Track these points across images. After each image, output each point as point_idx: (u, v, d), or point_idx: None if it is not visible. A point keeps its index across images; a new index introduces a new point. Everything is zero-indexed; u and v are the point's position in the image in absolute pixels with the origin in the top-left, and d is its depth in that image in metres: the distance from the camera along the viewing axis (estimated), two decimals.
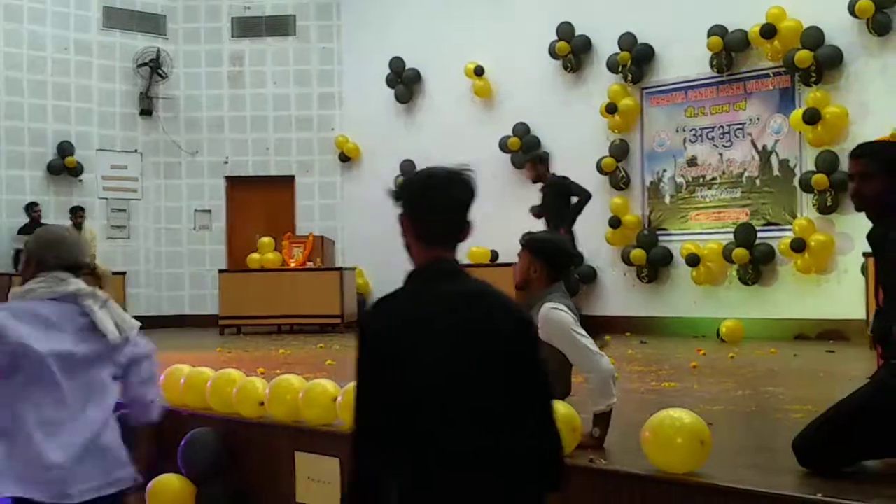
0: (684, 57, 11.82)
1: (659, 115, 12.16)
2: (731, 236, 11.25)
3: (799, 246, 10.60)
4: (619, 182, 12.37)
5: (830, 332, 10.31)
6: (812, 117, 10.44)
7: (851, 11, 10.37)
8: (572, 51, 12.83)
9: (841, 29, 10.59)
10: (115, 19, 15.46)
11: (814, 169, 10.57)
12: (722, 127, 11.57)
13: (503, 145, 13.46)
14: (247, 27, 16.00)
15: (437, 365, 2.38)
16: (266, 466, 5.29)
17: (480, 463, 2.33)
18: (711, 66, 11.52)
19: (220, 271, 14.25)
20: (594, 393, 4.26)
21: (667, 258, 11.92)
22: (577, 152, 12.65)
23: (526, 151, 13.25)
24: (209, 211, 15.92)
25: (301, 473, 5.06)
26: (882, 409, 3.56)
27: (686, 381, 6.88)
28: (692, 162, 11.84)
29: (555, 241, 4.73)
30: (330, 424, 5.03)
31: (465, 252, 13.18)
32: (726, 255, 11.24)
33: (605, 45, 12.54)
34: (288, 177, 15.89)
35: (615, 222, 12.22)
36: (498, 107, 13.84)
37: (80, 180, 14.94)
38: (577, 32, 12.81)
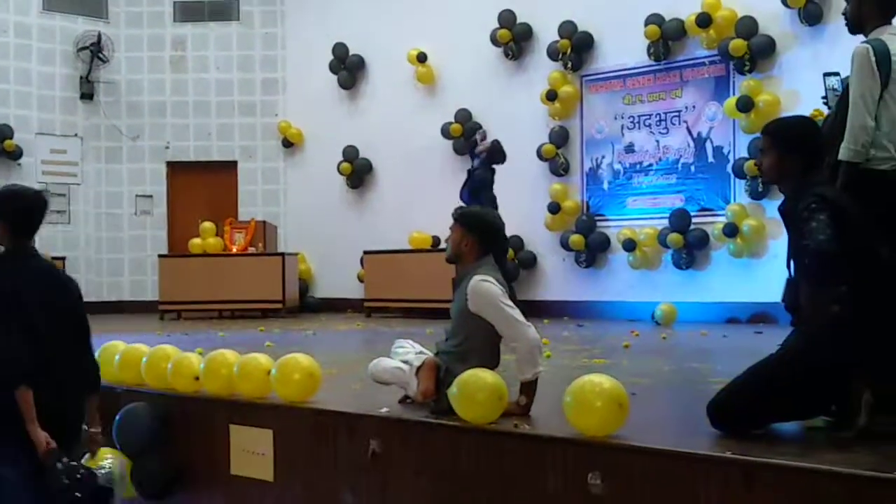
0: (622, 45, 12.02)
1: (598, 103, 12.35)
2: (666, 222, 11.48)
3: (732, 231, 10.86)
4: (559, 168, 12.54)
5: (761, 316, 10.57)
6: (746, 105, 10.69)
7: (784, 2, 10.66)
8: (513, 38, 12.97)
9: (774, 18, 10.86)
10: (55, 2, 15.29)
11: (746, 156, 10.81)
12: (659, 114, 11.79)
13: (445, 131, 13.57)
14: (189, 12, 15.90)
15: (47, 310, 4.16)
16: (201, 440, 5.35)
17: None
18: (649, 55, 11.74)
19: (161, 256, 14.19)
20: (521, 362, 4.38)
21: (604, 243, 12.13)
22: (518, 139, 12.74)
23: (468, 138, 13.38)
24: (150, 196, 15.82)
25: (236, 446, 5.13)
26: (789, 374, 3.73)
27: (616, 358, 7.05)
28: (630, 148, 12.04)
29: (486, 215, 4.81)
30: (264, 397, 5.10)
31: (406, 237, 13.29)
32: (661, 240, 11.47)
33: (546, 33, 12.69)
34: (230, 162, 15.84)
35: (555, 208, 12.39)
36: (440, 93, 13.94)
37: (19, 164, 14.76)
38: (519, 20, 12.95)
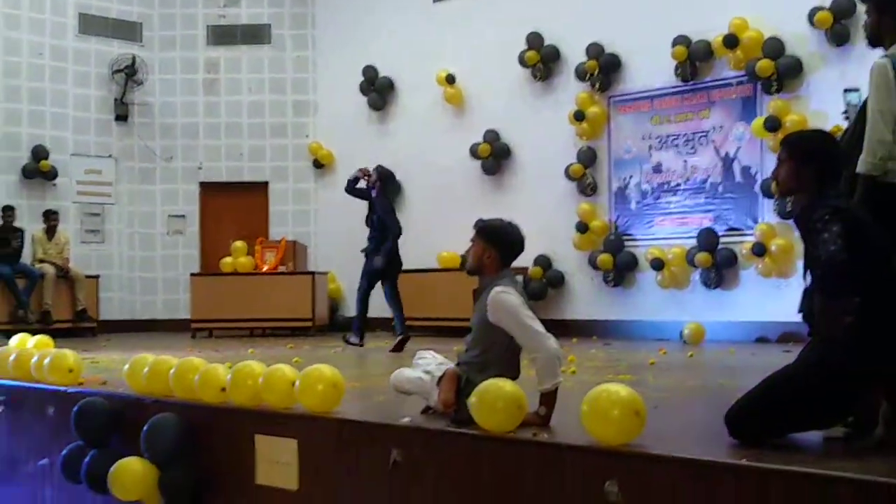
0: (650, 66, 12.06)
1: (625, 123, 12.39)
2: (694, 241, 11.48)
3: (760, 250, 10.85)
4: (587, 188, 12.58)
5: (791, 335, 10.50)
6: (773, 125, 10.69)
7: (811, 22, 10.67)
8: (541, 59, 13.06)
9: (801, 39, 10.87)
10: (90, 26, 15.57)
11: None
12: (686, 135, 11.81)
13: (474, 152, 13.66)
14: (222, 35, 16.15)
15: None
16: (227, 449, 5.43)
17: None
18: (676, 75, 11.78)
19: (193, 275, 14.38)
20: (540, 373, 4.42)
21: (632, 263, 12.14)
22: (546, 159, 12.90)
23: (496, 158, 13.48)
24: (183, 216, 16.02)
25: (261, 455, 5.20)
26: (804, 383, 3.76)
27: (642, 375, 7.06)
28: (657, 168, 12.07)
29: (506, 228, 4.84)
30: (289, 408, 5.17)
31: (435, 257, 13.38)
32: (690, 259, 11.47)
33: (574, 55, 12.76)
34: (262, 183, 16.03)
35: (582, 227, 12.43)
36: (469, 114, 14.04)
37: (55, 184, 15.01)
38: (546, 42, 13.04)
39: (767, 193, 10.92)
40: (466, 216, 12.48)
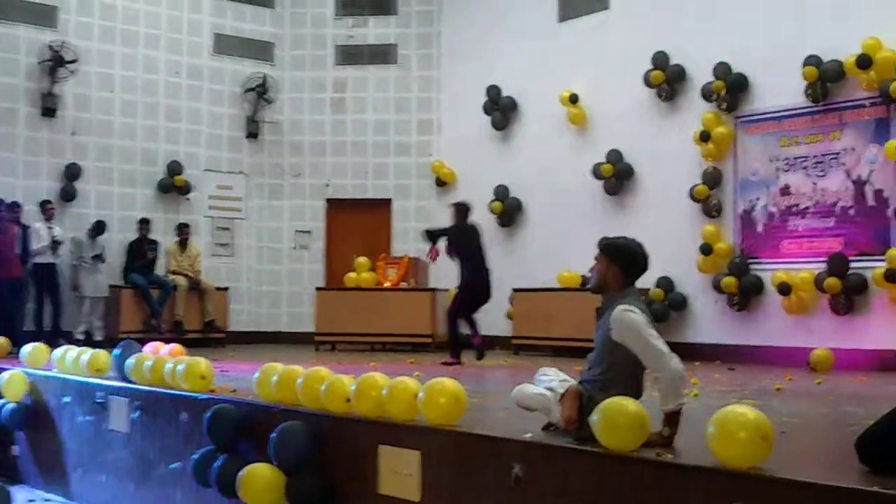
0: (779, 86, 11.83)
1: (753, 144, 12.18)
2: (823, 265, 11.19)
3: (893, 276, 10.50)
4: (712, 210, 12.40)
5: None
6: None
7: None
8: (666, 79, 12.95)
9: None
10: (225, 46, 16.14)
11: None
12: (816, 156, 11.54)
13: (597, 172, 13.62)
14: (350, 55, 16.52)
15: None
16: (351, 458, 5.55)
17: None
18: (806, 96, 11.51)
19: (318, 289, 14.73)
20: (664, 392, 4.40)
21: (758, 286, 11.89)
22: (670, 179, 12.76)
23: (618, 178, 13.40)
24: (309, 232, 16.42)
25: (384, 466, 5.30)
26: None
27: (767, 400, 6.93)
28: (785, 191, 11.82)
29: (631, 245, 4.84)
30: (412, 420, 5.27)
31: (555, 276, 13.37)
32: (818, 283, 11.18)
33: (700, 75, 12.61)
34: (385, 200, 16.30)
35: (707, 249, 12.24)
36: (592, 134, 14.01)
37: (188, 199, 15.57)
38: (672, 61, 12.93)
39: None
40: (588, 237, 12.39)
